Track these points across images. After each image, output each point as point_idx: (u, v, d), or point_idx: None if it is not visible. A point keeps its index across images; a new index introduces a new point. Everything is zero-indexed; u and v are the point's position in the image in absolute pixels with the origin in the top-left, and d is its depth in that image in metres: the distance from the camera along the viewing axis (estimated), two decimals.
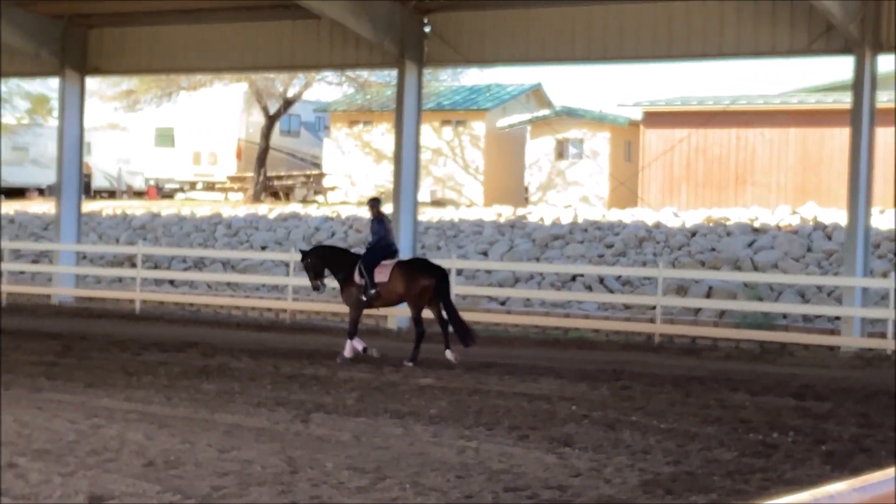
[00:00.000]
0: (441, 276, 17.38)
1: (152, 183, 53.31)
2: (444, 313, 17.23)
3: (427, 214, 32.78)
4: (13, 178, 53.82)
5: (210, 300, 25.89)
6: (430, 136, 42.75)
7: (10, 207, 42.89)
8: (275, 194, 46.42)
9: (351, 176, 46.47)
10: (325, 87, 48.57)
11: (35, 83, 51.68)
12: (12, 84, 50.60)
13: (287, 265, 24.98)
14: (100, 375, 15.33)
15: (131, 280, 27.12)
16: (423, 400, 13.89)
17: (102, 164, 54.37)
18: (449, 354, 17.23)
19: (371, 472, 9.93)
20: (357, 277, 17.61)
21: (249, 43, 25.66)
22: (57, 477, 9.48)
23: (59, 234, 27.82)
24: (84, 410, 12.51)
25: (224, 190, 49.34)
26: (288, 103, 46.03)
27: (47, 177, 50.46)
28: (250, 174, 46.82)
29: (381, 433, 11.74)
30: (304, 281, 24.86)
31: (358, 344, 17.70)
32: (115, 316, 24.43)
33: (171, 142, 53.19)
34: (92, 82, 36.12)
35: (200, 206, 40.82)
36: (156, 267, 29.21)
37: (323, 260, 18.22)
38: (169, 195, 51.09)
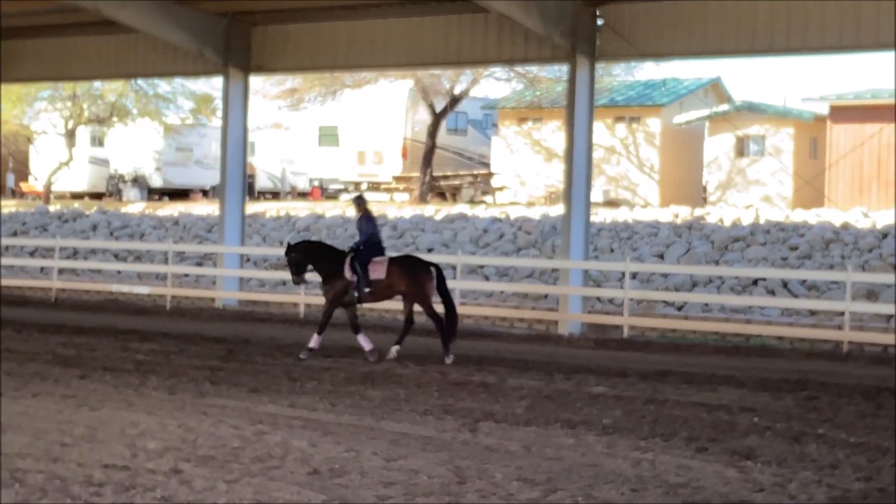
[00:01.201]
0: (438, 271, 18.45)
1: (316, 183, 54.26)
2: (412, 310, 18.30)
3: (600, 215, 32.58)
4: (177, 179, 55.44)
5: (373, 304, 26.12)
6: (603, 133, 42.52)
7: (175, 209, 44.15)
8: (441, 195, 46.75)
9: (520, 175, 46.52)
10: (493, 84, 48.81)
11: (199, 82, 53.14)
12: (176, 84, 52.15)
13: (454, 268, 25.11)
14: (263, 381, 15.64)
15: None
16: (596, 409, 13.81)
17: (266, 164, 55.55)
18: (448, 360, 17.95)
19: (542, 484, 9.91)
20: (348, 274, 18.31)
21: (414, 38, 25.86)
22: (221, 484, 9.70)
23: (222, 236, 28.45)
24: (248, 416, 12.78)
25: (389, 190, 49.86)
26: (455, 100, 46.29)
27: (211, 178, 51.84)
28: (416, 174, 47.22)
29: (552, 443, 11.70)
30: (470, 284, 25.00)
31: (366, 343, 18.27)
32: (278, 320, 24.90)
33: (335, 141, 54.00)
34: (255, 81, 37.03)
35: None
36: None
37: (308, 255, 18.76)
38: (333, 196, 51.88)
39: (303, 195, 53.34)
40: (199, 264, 32.25)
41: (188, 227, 38.14)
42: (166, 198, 54.14)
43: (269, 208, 41.53)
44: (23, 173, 61.85)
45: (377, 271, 18.37)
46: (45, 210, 42.27)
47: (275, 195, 54.63)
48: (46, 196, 53.06)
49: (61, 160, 52.92)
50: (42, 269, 33.28)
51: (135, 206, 48.31)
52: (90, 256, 34.72)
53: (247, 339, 20.76)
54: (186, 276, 30.96)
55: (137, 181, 56.10)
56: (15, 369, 15.70)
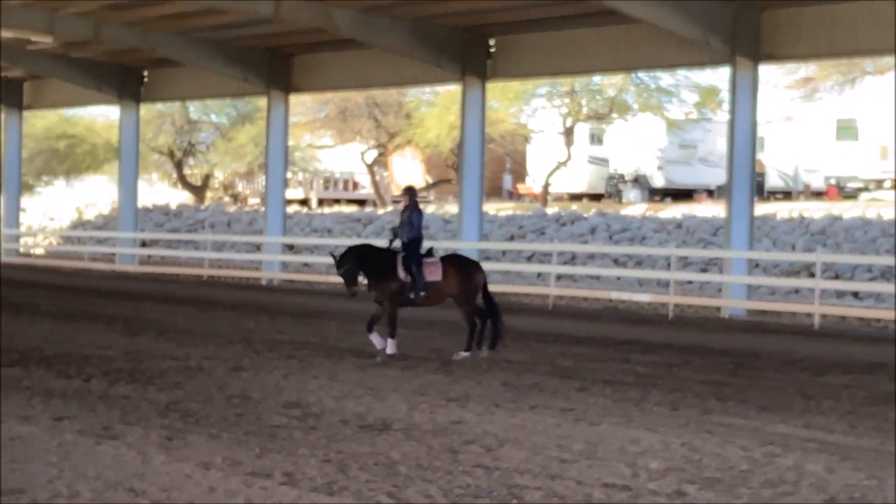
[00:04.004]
0: (482, 272, 18.63)
1: (832, 182, 52.86)
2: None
3: None
4: (680, 178, 55.75)
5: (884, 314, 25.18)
6: None
7: (677, 210, 44.43)
8: None
9: None
10: None
11: (704, 74, 53.11)
12: (679, 75, 52.37)
13: None
14: (774, 398, 15.41)
15: (809, 291, 27.06)
16: None
17: (777, 161, 54.73)
18: (463, 355, 18.07)
19: None
20: (402, 274, 18.01)
21: None
22: None
23: (728, 239, 28.32)
24: (757, 437, 12.63)
25: None
26: None
27: (716, 177, 51.73)
28: None
29: None
30: None
31: (379, 342, 17.95)
32: (789, 332, 24.46)
33: (853, 135, 52.38)
34: (765, 70, 36.53)
35: (887, 207, 39.85)
36: (836, 277, 28.94)
37: (359, 261, 18.18)
38: (851, 195, 50.37)
39: (817, 195, 52.15)
40: (704, 270, 32.30)
41: (692, 230, 38.27)
42: (668, 198, 54.60)
43: (780, 209, 40.95)
44: (519, 174, 64.36)
45: (433, 273, 18.12)
46: (542, 212, 43.75)
47: (786, 195, 53.73)
48: (544, 198, 54.90)
49: (559, 160, 54.56)
50: (539, 274, 34.46)
51: (635, 207, 49.09)
52: (588, 262, 35.62)
53: (756, 352, 20.55)
54: (690, 282, 31.06)
55: (638, 181, 56.95)
56: (512, 380, 16.29)
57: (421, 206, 19.09)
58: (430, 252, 18.67)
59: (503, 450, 11.59)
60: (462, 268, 18.63)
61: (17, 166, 50.06)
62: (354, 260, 18.21)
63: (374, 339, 18.17)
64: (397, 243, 18.49)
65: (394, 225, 19.05)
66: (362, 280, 18.52)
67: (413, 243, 18.42)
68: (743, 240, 28.12)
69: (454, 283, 18.38)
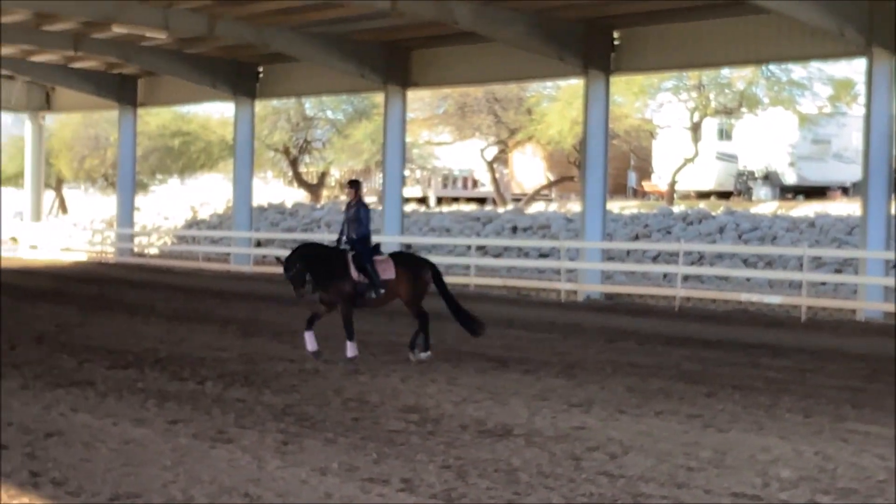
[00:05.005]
0: (434, 269, 18.57)
1: None
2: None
3: None
4: (813, 174, 55.10)
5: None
6: None
7: (810, 209, 43.90)
8: None
9: None
10: None
11: (839, 66, 52.36)
12: (813, 68, 51.68)
13: None
14: None
15: None
16: None
17: None
18: (424, 356, 17.97)
19: None
20: (355, 274, 17.81)
21: None
22: None
23: (864, 239, 27.93)
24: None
25: None
26: None
27: (851, 173, 51.01)
28: None
29: None
30: None
31: (312, 343, 17.71)
32: None
33: None
34: None
35: None
36: None
37: (306, 262, 17.66)
38: None
39: None
40: (838, 271, 31.89)
41: (825, 229, 37.80)
42: (801, 196, 53.96)
43: None
44: (645, 171, 64.04)
45: (386, 271, 17.95)
46: (668, 211, 43.49)
47: None
48: (670, 196, 54.58)
49: (686, 156, 54.18)
50: (665, 275, 34.27)
51: (765, 205, 48.60)
52: (716, 262, 35.33)
53: (893, 356, 20.22)
54: (823, 284, 30.68)
55: (768, 178, 56.38)
56: (638, 385, 16.23)
57: (366, 202, 18.93)
58: (378, 249, 18.57)
59: (628, 457, 11.56)
60: (408, 265, 18.55)
61: (131, 164, 50.99)
62: (302, 261, 17.70)
63: (309, 338, 17.80)
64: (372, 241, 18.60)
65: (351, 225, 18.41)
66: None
67: (363, 241, 18.21)
68: (880, 239, 27.69)
69: (404, 282, 18.28)
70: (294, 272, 17.56)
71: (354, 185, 18.77)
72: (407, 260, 18.93)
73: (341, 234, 18.41)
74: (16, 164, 67.84)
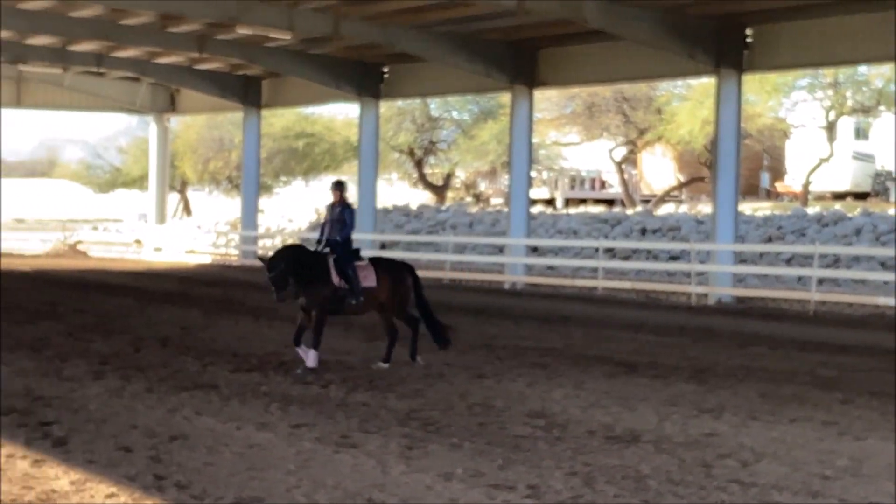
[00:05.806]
0: (414, 273, 18.25)
1: None
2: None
3: None
4: None
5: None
6: None
7: None
8: None
9: None
10: None
11: None
12: None
13: None
14: None
15: None
16: None
17: None
18: (384, 366, 17.58)
19: None
20: (336, 280, 17.47)
21: None
22: None
23: None
24: None
25: None
26: None
27: None
28: None
29: None
30: None
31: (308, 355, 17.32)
32: None
33: None
34: None
35: None
36: None
37: (288, 265, 17.20)
38: None
39: None
40: None
41: None
42: None
43: None
44: (778, 171, 63.31)
45: (367, 277, 17.58)
46: (802, 212, 42.93)
47: None
48: (804, 197, 53.88)
49: (821, 156, 53.45)
50: (799, 278, 33.86)
51: None
52: (853, 265, 34.80)
53: None
54: None
55: None
56: (771, 391, 16.05)
57: (350, 203, 18.66)
58: (358, 254, 18.17)
59: (760, 465, 11.46)
60: (389, 271, 18.21)
61: (255, 166, 51.64)
62: (285, 263, 17.34)
63: (304, 354, 17.46)
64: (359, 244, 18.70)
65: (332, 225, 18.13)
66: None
67: (345, 244, 17.93)
68: None
69: (385, 289, 17.95)
70: (276, 274, 17.19)
71: (339, 185, 18.48)
72: (388, 266, 18.54)
73: (321, 235, 18.15)
74: (140, 167, 69.10)
